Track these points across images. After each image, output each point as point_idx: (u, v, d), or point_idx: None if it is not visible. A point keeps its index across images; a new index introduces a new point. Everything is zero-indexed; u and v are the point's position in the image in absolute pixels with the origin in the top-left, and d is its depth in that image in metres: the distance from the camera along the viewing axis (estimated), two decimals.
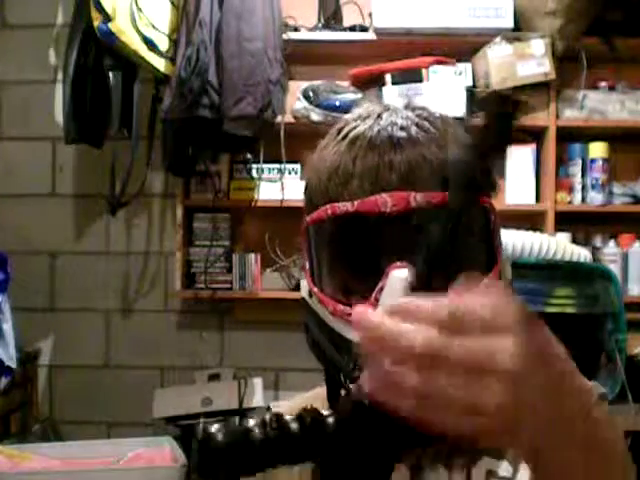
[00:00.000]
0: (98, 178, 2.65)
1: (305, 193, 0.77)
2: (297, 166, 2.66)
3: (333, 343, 0.68)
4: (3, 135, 2.87)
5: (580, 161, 2.60)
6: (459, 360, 0.41)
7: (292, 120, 2.53)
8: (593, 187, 2.57)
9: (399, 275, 0.61)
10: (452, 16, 2.48)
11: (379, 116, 0.71)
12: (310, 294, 0.72)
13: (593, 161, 2.58)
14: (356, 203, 0.65)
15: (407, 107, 0.72)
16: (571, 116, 2.57)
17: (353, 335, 0.63)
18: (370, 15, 2.59)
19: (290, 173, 2.64)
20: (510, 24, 2.48)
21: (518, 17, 2.50)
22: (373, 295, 0.63)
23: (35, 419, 2.71)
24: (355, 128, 0.72)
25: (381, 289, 0.62)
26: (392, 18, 2.49)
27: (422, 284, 0.60)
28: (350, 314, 0.63)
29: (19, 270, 2.50)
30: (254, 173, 2.63)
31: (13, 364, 2.30)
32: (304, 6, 2.64)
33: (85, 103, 2.44)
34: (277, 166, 2.61)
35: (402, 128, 0.68)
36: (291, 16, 2.59)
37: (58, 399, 2.84)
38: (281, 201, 2.60)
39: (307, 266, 0.73)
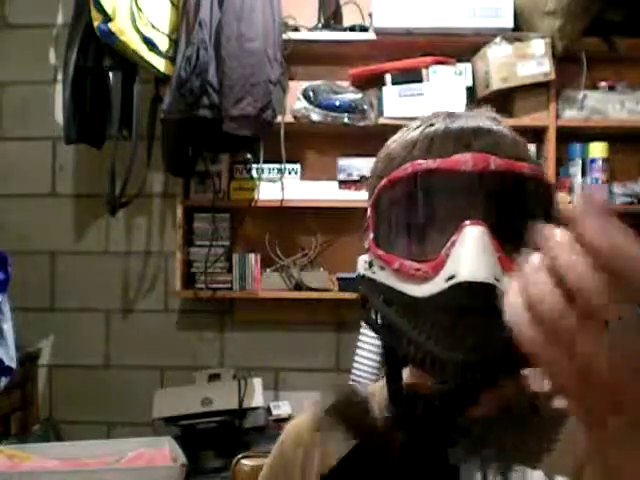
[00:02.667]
0: (98, 178, 2.65)
1: (372, 174, 0.77)
2: (297, 166, 2.66)
3: (395, 308, 0.67)
4: (3, 135, 2.87)
5: (580, 161, 2.60)
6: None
7: (292, 120, 2.53)
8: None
9: (473, 230, 0.63)
10: (452, 16, 2.48)
11: (449, 115, 0.74)
12: (370, 264, 0.72)
13: (593, 161, 2.58)
14: (438, 161, 0.67)
15: (481, 112, 0.77)
16: (571, 116, 2.57)
17: (420, 290, 0.65)
18: (370, 15, 2.59)
19: (290, 173, 2.64)
20: (510, 24, 2.48)
21: (518, 17, 2.50)
22: (444, 249, 0.64)
23: (35, 419, 2.71)
24: (423, 122, 0.75)
25: (453, 243, 0.63)
26: (392, 18, 2.49)
27: (493, 242, 0.63)
28: (418, 269, 0.65)
29: (19, 270, 2.50)
30: (254, 173, 2.63)
31: (13, 364, 2.30)
32: (304, 6, 2.64)
33: (85, 103, 2.44)
34: (277, 166, 2.61)
35: (477, 121, 0.72)
36: (291, 16, 2.59)
37: (58, 399, 2.84)
38: (281, 201, 2.60)
39: (371, 235, 0.72)
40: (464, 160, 0.66)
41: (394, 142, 0.76)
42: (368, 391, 0.84)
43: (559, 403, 0.41)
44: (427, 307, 0.64)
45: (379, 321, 0.69)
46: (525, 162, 0.69)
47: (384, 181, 0.71)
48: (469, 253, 0.62)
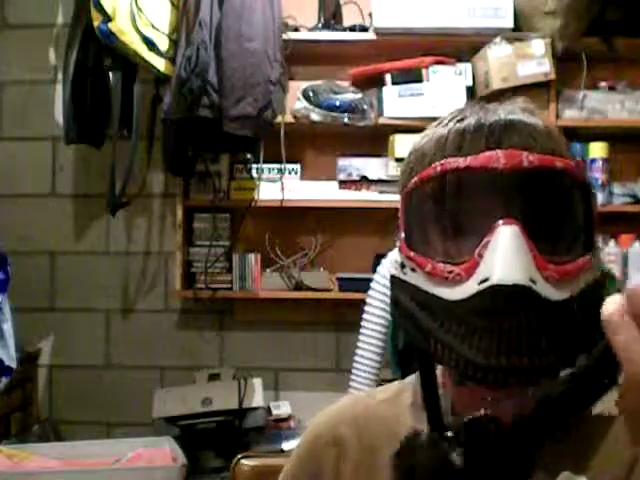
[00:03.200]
0: (98, 178, 2.65)
1: (404, 170, 0.74)
2: (297, 166, 2.66)
3: (429, 311, 0.65)
4: (3, 135, 2.87)
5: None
6: None
7: (292, 120, 2.53)
8: (593, 187, 2.57)
9: (507, 230, 0.61)
10: (452, 16, 2.48)
11: (482, 108, 0.71)
12: (402, 265, 0.69)
13: (593, 161, 2.58)
14: (468, 159, 0.65)
15: (515, 104, 0.73)
16: (571, 116, 2.57)
17: (453, 293, 0.63)
18: (370, 15, 2.59)
19: (290, 173, 2.64)
20: (510, 24, 2.48)
21: (518, 17, 2.50)
22: (477, 251, 0.62)
23: (35, 419, 2.71)
24: (456, 116, 0.71)
25: (486, 244, 0.61)
26: (392, 18, 2.49)
27: (528, 242, 0.61)
28: (450, 271, 0.63)
29: (19, 270, 2.50)
30: (254, 173, 2.63)
31: (13, 364, 2.30)
32: (304, 6, 2.64)
33: (85, 103, 2.44)
34: (277, 166, 2.61)
35: (510, 112, 0.69)
36: (291, 16, 2.59)
37: (58, 399, 2.84)
38: (281, 201, 2.60)
39: (402, 235, 0.70)
40: (495, 157, 0.64)
41: (425, 137, 0.72)
42: (380, 397, 0.82)
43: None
44: (461, 310, 0.62)
45: (411, 324, 0.67)
46: (560, 156, 0.67)
47: (414, 180, 0.69)
48: (502, 254, 0.60)
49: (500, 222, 0.61)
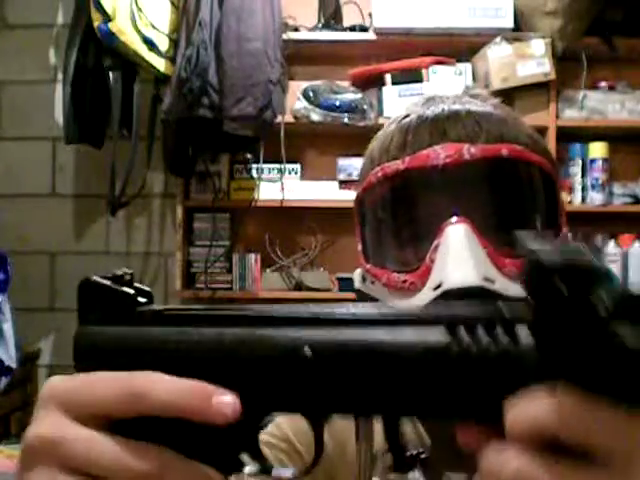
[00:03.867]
0: (98, 178, 2.65)
1: (358, 179, 0.71)
2: (297, 166, 2.66)
3: None
4: (3, 135, 2.87)
5: (580, 161, 2.60)
6: None
7: (292, 120, 2.53)
8: (593, 187, 2.57)
9: (455, 230, 0.57)
10: (452, 16, 2.48)
11: (428, 100, 0.68)
12: (364, 278, 0.66)
13: (593, 161, 2.58)
14: (407, 159, 0.61)
15: (465, 92, 0.70)
16: (571, 116, 2.57)
17: (408, 304, 0.59)
18: (370, 15, 2.58)
19: (290, 173, 2.64)
20: (510, 24, 2.48)
21: (518, 17, 2.50)
22: (428, 255, 0.59)
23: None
24: (404, 112, 0.68)
25: (436, 248, 0.58)
26: (392, 18, 2.49)
27: (480, 239, 0.57)
28: (404, 280, 0.60)
29: (19, 270, 2.50)
30: (254, 173, 2.63)
31: (13, 364, 2.30)
32: (304, 6, 2.64)
33: (85, 103, 2.44)
34: (277, 166, 2.61)
35: (454, 103, 0.65)
36: (291, 16, 2.59)
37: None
38: (281, 201, 2.60)
39: (360, 246, 0.67)
40: (434, 154, 0.60)
41: (375, 139, 0.69)
42: None
43: None
44: None
45: None
46: (513, 141, 0.62)
47: (360, 188, 0.66)
48: (453, 256, 0.57)
49: (447, 222, 0.58)
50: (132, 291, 0.43)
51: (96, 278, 0.43)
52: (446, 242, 0.57)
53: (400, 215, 0.63)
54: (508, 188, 0.62)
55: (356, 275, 0.69)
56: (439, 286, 0.57)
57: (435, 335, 0.36)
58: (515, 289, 0.56)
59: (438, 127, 0.62)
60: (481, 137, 0.61)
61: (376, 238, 0.65)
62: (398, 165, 0.62)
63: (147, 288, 0.44)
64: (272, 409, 0.41)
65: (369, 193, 0.65)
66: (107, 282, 0.43)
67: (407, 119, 0.65)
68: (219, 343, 0.40)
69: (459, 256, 0.56)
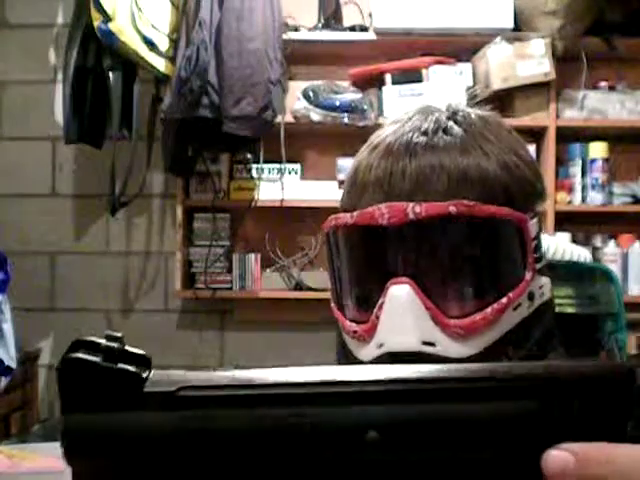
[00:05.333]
0: (98, 178, 2.65)
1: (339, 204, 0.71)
2: (297, 166, 2.66)
3: (348, 363, 0.63)
4: (3, 135, 2.87)
5: (580, 161, 2.60)
6: None
7: (292, 120, 2.53)
8: (593, 187, 2.57)
9: (397, 291, 0.58)
10: (452, 16, 2.48)
11: (409, 120, 0.65)
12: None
13: (593, 161, 2.58)
14: (355, 214, 0.61)
15: (447, 109, 0.66)
16: (571, 116, 2.57)
17: (360, 354, 0.61)
18: (370, 15, 2.59)
19: (290, 173, 2.64)
20: (510, 24, 2.48)
21: (518, 17, 2.50)
22: (374, 313, 0.59)
23: (35, 419, 2.71)
24: (382, 134, 0.66)
25: (381, 306, 0.59)
26: (392, 18, 2.49)
27: (424, 299, 0.57)
28: (355, 331, 0.61)
29: (19, 270, 2.50)
30: (254, 173, 2.63)
31: (13, 364, 2.30)
32: (304, 6, 2.64)
33: (85, 103, 2.44)
34: (277, 166, 2.61)
35: (424, 133, 0.62)
36: (291, 16, 2.59)
37: (58, 399, 2.83)
38: (281, 201, 2.60)
39: (329, 280, 0.68)
40: (379, 213, 0.59)
41: (357, 158, 0.67)
42: None
43: None
44: None
45: None
46: (475, 179, 0.59)
47: (324, 226, 0.66)
48: (395, 317, 0.57)
49: (392, 281, 0.58)
50: (133, 368, 0.35)
51: (81, 355, 0.35)
52: (389, 302, 0.58)
53: (351, 267, 0.64)
54: (456, 246, 0.60)
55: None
56: (382, 345, 0.58)
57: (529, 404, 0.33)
58: (457, 350, 0.57)
59: (397, 167, 0.60)
60: (439, 181, 0.59)
61: (334, 282, 0.66)
62: (347, 219, 0.62)
63: (142, 352, 0.36)
64: None
65: (329, 236, 0.66)
66: (96, 359, 0.35)
67: (375, 151, 0.63)
68: (257, 430, 0.33)
69: (400, 318, 0.57)
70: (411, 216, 0.58)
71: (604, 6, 2.47)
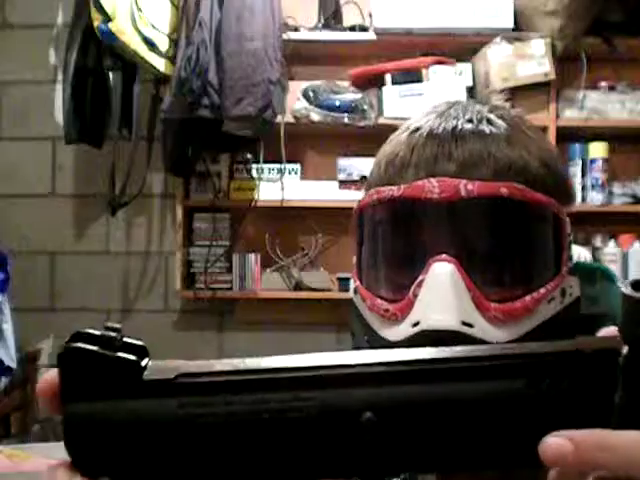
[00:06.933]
0: (98, 178, 2.65)
1: (364, 187, 0.69)
2: (297, 166, 2.66)
3: (371, 345, 0.61)
4: (3, 135, 2.87)
5: (580, 161, 2.60)
6: None
7: (292, 120, 2.53)
8: (593, 187, 2.57)
9: (440, 268, 0.56)
10: (452, 16, 2.48)
11: (448, 109, 0.64)
12: (355, 291, 0.65)
13: (593, 161, 2.58)
14: (402, 187, 0.59)
15: (483, 104, 0.66)
16: (571, 116, 2.57)
17: (389, 334, 0.59)
18: (370, 15, 2.58)
19: (290, 173, 2.64)
20: (510, 24, 2.48)
21: (518, 17, 2.50)
22: (411, 290, 0.57)
23: (35, 419, 2.71)
24: (419, 121, 0.65)
25: (420, 283, 0.57)
26: (392, 18, 2.49)
27: (466, 280, 0.56)
28: (387, 309, 0.59)
29: (19, 270, 2.50)
30: (254, 173, 2.63)
31: (13, 364, 2.30)
32: (304, 6, 2.64)
33: (85, 103, 2.44)
34: (277, 166, 2.61)
35: (469, 120, 0.62)
36: (291, 16, 2.59)
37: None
38: (281, 201, 2.60)
39: (354, 259, 0.66)
40: (430, 187, 0.58)
41: (387, 145, 0.67)
42: None
43: None
44: None
45: None
46: (519, 171, 0.59)
47: (356, 205, 0.65)
48: (435, 295, 0.56)
49: (435, 258, 0.56)
50: (132, 357, 0.36)
51: (80, 345, 0.36)
52: (430, 279, 0.56)
53: (390, 243, 0.62)
54: (503, 230, 0.60)
55: (352, 285, 0.68)
56: (417, 323, 0.56)
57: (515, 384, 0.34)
58: (495, 335, 0.56)
59: (444, 148, 0.60)
60: (488, 166, 0.59)
61: (366, 258, 0.64)
62: (393, 192, 0.60)
63: (139, 342, 0.37)
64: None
65: (365, 211, 0.64)
66: (95, 348, 0.36)
67: (417, 133, 0.63)
68: (257, 414, 0.34)
69: (441, 296, 0.56)
70: (463, 193, 0.57)
71: (604, 6, 2.47)
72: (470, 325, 0.55)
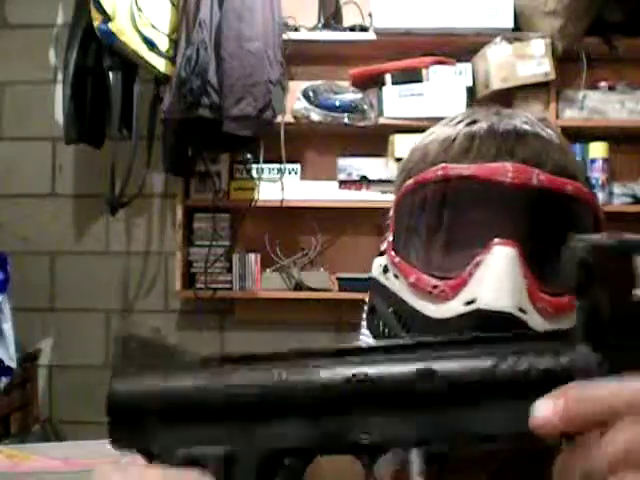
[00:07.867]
0: (98, 178, 2.65)
1: (403, 168, 0.68)
2: (297, 166, 2.66)
3: (406, 324, 0.61)
4: (3, 135, 2.87)
5: (580, 161, 2.60)
6: None
7: (292, 120, 2.53)
8: (593, 187, 2.57)
9: (503, 251, 0.56)
10: (452, 16, 2.48)
11: (497, 113, 0.65)
12: (385, 269, 0.65)
13: (593, 161, 2.58)
14: (474, 166, 0.60)
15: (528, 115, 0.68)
16: (571, 116, 2.57)
17: (437, 311, 0.59)
18: (370, 15, 2.59)
19: (290, 173, 2.64)
20: (510, 24, 2.48)
21: (518, 17, 2.50)
22: (468, 269, 0.57)
23: (35, 419, 2.71)
24: (470, 116, 0.65)
25: (478, 263, 0.56)
26: (392, 18, 2.49)
27: (524, 267, 0.56)
28: (435, 286, 0.59)
29: (19, 270, 2.50)
30: (254, 173, 2.63)
31: (13, 364, 2.30)
32: (304, 6, 2.64)
33: (85, 103, 2.44)
34: (277, 166, 2.61)
35: (525, 122, 0.63)
36: (291, 16, 2.59)
37: (58, 399, 2.83)
38: (281, 201, 2.60)
39: (390, 238, 0.65)
40: (504, 170, 0.58)
41: (431, 135, 0.66)
42: None
43: None
44: (440, 330, 0.57)
45: (385, 334, 0.63)
46: (572, 176, 0.61)
47: (411, 181, 0.63)
48: (494, 276, 0.55)
49: (497, 241, 0.56)
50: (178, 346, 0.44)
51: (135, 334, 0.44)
52: (491, 260, 0.56)
53: (450, 220, 0.61)
54: (563, 224, 0.60)
55: (376, 264, 0.68)
56: (471, 302, 0.56)
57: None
58: (542, 326, 0.56)
59: (507, 144, 0.61)
60: (547, 165, 0.60)
61: (416, 235, 0.63)
62: (463, 169, 0.60)
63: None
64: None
65: (421, 188, 0.63)
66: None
67: (476, 126, 0.63)
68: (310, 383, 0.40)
69: (500, 278, 0.55)
70: (534, 182, 0.58)
71: (604, 6, 2.47)
72: (524, 311, 0.56)
